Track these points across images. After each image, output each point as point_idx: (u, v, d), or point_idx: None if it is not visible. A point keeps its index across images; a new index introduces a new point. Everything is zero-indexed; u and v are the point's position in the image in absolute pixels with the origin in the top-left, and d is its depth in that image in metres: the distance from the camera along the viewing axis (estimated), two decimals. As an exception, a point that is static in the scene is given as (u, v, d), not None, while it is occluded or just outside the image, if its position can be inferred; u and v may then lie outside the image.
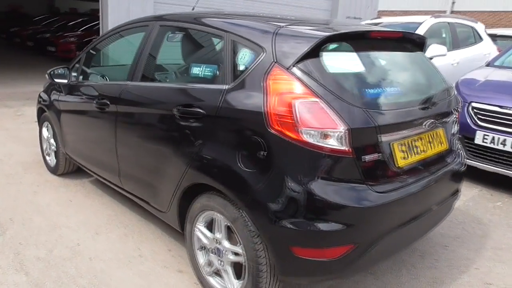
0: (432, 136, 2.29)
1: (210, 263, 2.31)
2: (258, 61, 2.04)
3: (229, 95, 2.09)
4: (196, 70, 2.41)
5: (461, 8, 18.18)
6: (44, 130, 4.17)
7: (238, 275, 2.17)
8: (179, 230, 2.55)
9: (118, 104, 2.82)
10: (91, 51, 3.47)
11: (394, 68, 2.34)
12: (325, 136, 1.83)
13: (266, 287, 2.04)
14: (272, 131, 1.88)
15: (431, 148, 2.29)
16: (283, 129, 1.86)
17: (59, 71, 3.51)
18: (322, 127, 1.83)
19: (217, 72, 2.27)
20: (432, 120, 2.23)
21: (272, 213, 1.88)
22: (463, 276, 2.70)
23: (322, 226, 1.84)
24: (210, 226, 2.30)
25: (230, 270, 2.19)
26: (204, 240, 2.31)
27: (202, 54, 2.57)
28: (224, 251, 2.19)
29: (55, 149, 4.00)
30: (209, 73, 2.33)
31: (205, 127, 2.17)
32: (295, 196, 1.85)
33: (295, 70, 1.93)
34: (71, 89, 3.50)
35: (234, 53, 2.18)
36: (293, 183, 1.85)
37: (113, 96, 2.88)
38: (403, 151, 2.09)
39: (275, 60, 1.98)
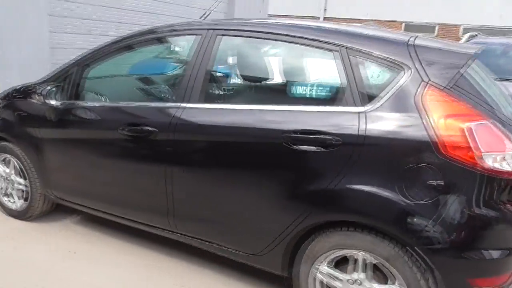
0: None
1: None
2: (402, 80, 1.88)
3: (373, 119, 1.88)
4: (300, 90, 2.11)
5: (332, 15, 19.88)
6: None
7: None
8: (280, 274, 2.23)
9: (175, 131, 2.31)
10: (90, 64, 2.78)
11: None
12: (502, 158, 1.77)
13: None
14: (445, 158, 1.75)
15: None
16: (458, 154, 1.74)
17: (48, 89, 2.75)
18: (500, 149, 1.76)
19: (336, 92, 2.03)
20: None
21: (452, 246, 1.75)
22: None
23: (502, 253, 1.79)
24: (336, 265, 2.05)
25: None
26: (332, 283, 2.05)
27: (302, 70, 2.26)
28: (369, 291, 1.97)
29: (24, 188, 3.14)
30: (324, 93, 2.06)
31: (342, 156, 1.91)
32: (475, 225, 1.76)
33: (454, 90, 1.83)
34: (65, 112, 2.77)
35: (359, 70, 1.97)
36: (472, 211, 1.76)
37: (162, 122, 2.35)
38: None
39: (428, 80, 1.85)
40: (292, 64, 2.29)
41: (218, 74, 2.38)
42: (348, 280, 2.01)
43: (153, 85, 2.81)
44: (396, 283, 1.90)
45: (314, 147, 1.96)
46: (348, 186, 1.90)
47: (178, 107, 2.34)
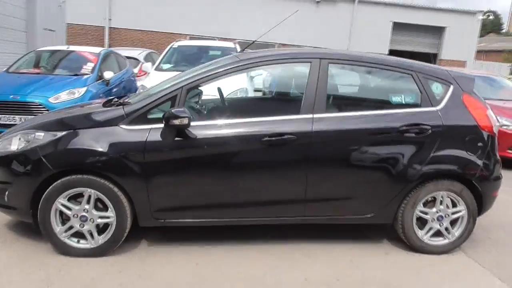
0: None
1: (431, 228, 3.33)
2: (452, 91, 3.30)
3: (443, 113, 3.23)
4: (396, 99, 3.27)
5: (116, 25, 19.95)
6: (64, 206, 2.98)
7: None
8: (389, 222, 3.33)
9: (312, 135, 3.06)
10: (206, 86, 3.13)
11: None
12: (497, 127, 3.39)
13: (470, 227, 3.36)
14: (481, 130, 3.27)
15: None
16: (488, 128, 3.28)
17: (176, 111, 2.88)
18: (496, 123, 3.39)
19: (417, 98, 3.29)
20: None
21: (490, 175, 3.29)
22: None
23: (499, 177, 3.43)
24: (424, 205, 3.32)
25: (450, 226, 3.34)
26: (424, 216, 3.30)
27: (394, 86, 3.35)
28: (446, 215, 3.31)
29: (107, 221, 3.02)
30: (411, 100, 3.30)
31: (433, 136, 3.18)
32: (497, 162, 3.33)
33: (473, 94, 3.37)
34: (187, 132, 2.97)
35: (428, 85, 3.28)
36: (494, 155, 3.31)
37: (300, 129, 3.06)
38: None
39: (463, 90, 3.33)
40: (386, 82, 3.39)
41: (334, 91, 3.24)
42: (435, 211, 3.31)
43: (280, 101, 3.32)
44: (461, 204, 3.31)
45: (414, 134, 3.17)
46: (439, 153, 3.19)
47: (310, 118, 3.09)
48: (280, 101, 3.63)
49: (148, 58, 11.64)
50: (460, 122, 3.26)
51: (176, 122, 2.87)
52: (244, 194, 3.12)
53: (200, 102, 3.64)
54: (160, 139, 2.97)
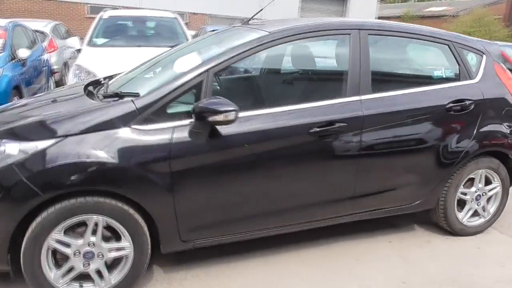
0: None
1: (470, 209, 3.14)
2: (485, 61, 3.07)
3: (483, 86, 2.99)
4: (438, 73, 2.93)
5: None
6: (60, 243, 2.15)
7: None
8: (433, 207, 3.05)
9: (363, 120, 2.60)
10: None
11: None
12: None
13: (504, 203, 3.22)
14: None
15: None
16: None
17: (218, 105, 2.18)
18: None
19: (456, 71, 2.99)
20: None
21: None
22: None
23: None
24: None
25: (486, 204, 3.18)
26: (464, 197, 3.08)
27: (430, 59, 2.95)
28: (483, 194, 3.13)
29: (122, 254, 2.28)
30: (451, 74, 2.97)
31: (476, 113, 2.92)
32: None
33: (501, 64, 3.18)
34: (220, 129, 2.30)
35: (464, 56, 3.00)
36: None
37: (352, 116, 2.57)
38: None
39: (493, 60, 3.12)
40: (425, 55, 3.00)
41: (376, 67, 2.77)
42: (475, 191, 3.11)
43: (318, 82, 2.73)
44: (496, 180, 3.15)
45: (458, 111, 2.88)
46: (482, 129, 2.96)
47: (358, 100, 2.61)
48: (317, 82, 3.06)
49: (55, 31, 9.94)
50: (497, 95, 3.05)
51: (219, 118, 2.18)
52: (289, 198, 2.57)
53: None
54: (190, 139, 2.26)
